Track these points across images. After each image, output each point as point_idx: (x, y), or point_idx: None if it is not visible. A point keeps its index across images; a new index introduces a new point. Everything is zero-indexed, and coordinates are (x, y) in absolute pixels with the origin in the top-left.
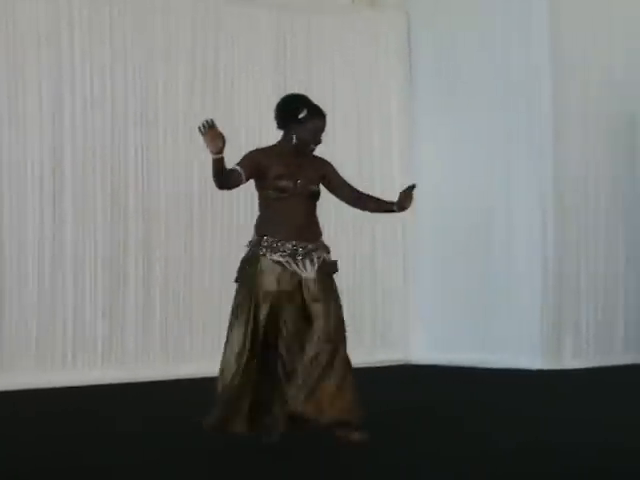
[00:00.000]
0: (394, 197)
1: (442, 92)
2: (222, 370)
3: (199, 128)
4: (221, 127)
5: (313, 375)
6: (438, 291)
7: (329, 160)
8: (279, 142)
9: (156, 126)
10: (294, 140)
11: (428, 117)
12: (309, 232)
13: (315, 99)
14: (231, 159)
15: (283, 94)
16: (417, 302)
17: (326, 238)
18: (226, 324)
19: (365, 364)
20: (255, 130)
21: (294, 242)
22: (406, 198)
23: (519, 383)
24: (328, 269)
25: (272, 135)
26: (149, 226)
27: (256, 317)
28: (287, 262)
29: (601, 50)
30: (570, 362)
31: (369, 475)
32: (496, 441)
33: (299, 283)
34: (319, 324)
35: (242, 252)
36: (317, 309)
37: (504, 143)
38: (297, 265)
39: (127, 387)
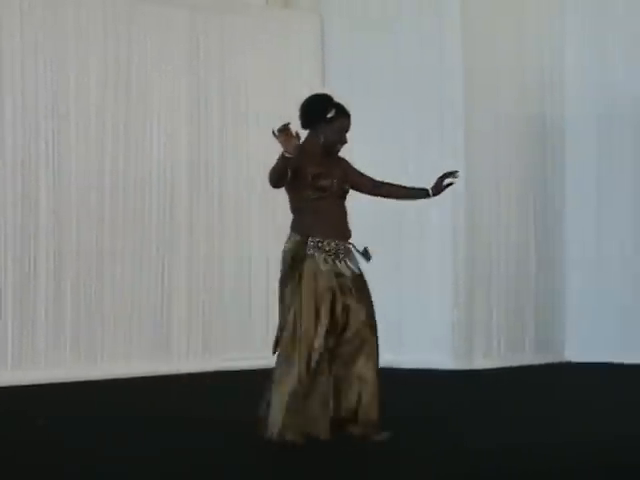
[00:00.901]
0: None
1: (355, 93)
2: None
3: (273, 132)
4: (133, 123)
5: (371, 378)
6: None
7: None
8: (305, 142)
9: (67, 120)
10: (322, 140)
11: None
12: (346, 230)
13: (228, 99)
14: (143, 158)
15: (196, 93)
16: None
17: (238, 237)
18: (138, 318)
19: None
20: (167, 128)
21: (336, 241)
22: (441, 183)
23: (430, 383)
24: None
25: (184, 132)
26: (60, 220)
27: (318, 316)
28: (333, 261)
29: (512, 53)
30: (481, 362)
31: None
32: (411, 443)
33: (339, 282)
34: (357, 321)
35: (154, 245)
36: (355, 307)
37: (417, 144)
38: (341, 264)
39: (39, 388)
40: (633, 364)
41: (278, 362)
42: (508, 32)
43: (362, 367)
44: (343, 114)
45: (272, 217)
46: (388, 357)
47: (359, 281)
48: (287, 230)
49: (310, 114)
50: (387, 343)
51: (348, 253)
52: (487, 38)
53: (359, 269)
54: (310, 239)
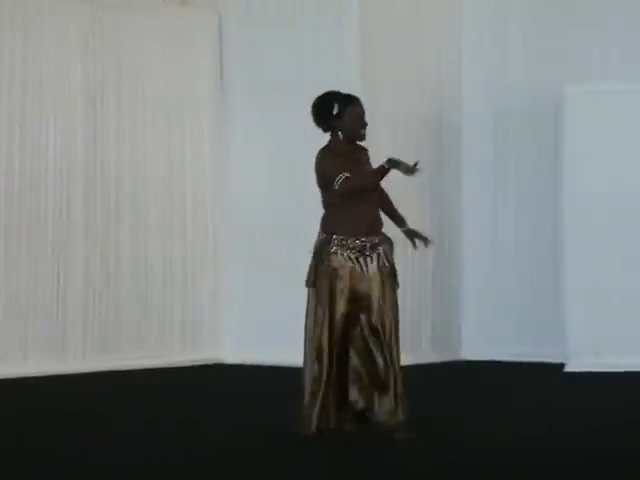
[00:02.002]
0: (204, 198)
1: (253, 92)
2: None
3: (408, 169)
4: (29, 123)
5: (392, 378)
6: (249, 290)
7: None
8: (330, 143)
9: None
10: (341, 136)
11: (239, 116)
12: (375, 225)
13: (124, 99)
14: (38, 157)
15: (92, 92)
16: (228, 302)
17: (135, 237)
18: (33, 317)
19: (176, 364)
20: (63, 125)
21: (362, 238)
22: (415, 236)
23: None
24: (390, 262)
25: (79, 132)
26: None
27: (333, 315)
28: (356, 259)
29: (410, 52)
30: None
31: None
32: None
33: (367, 279)
34: (379, 320)
35: (49, 245)
36: (379, 305)
37: (315, 144)
38: (364, 261)
39: None
40: (528, 362)
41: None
42: (406, 31)
43: (373, 364)
44: (349, 103)
45: (169, 217)
46: (282, 356)
47: (385, 277)
48: (183, 229)
49: (320, 118)
50: (281, 342)
51: (374, 249)
52: (386, 37)
53: (387, 264)
54: (334, 236)
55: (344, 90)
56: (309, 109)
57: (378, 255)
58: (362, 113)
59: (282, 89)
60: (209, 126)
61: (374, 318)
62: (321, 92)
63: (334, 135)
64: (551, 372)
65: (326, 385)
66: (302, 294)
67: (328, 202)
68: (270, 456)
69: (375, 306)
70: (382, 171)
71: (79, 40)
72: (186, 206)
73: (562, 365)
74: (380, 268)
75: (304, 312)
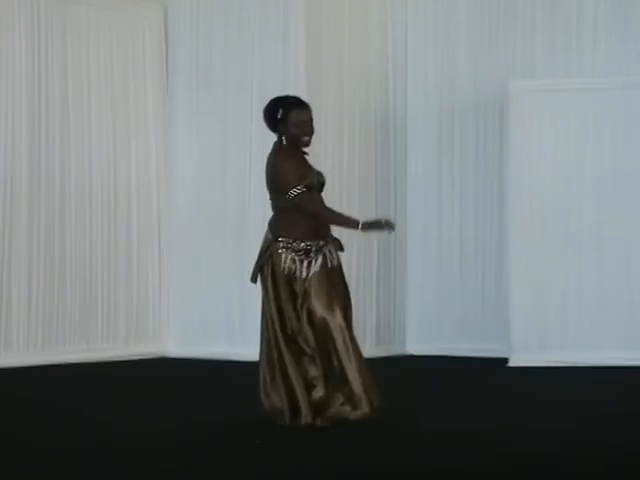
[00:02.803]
0: (149, 193)
1: (198, 88)
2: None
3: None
4: None
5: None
6: (193, 283)
7: None
8: (281, 146)
9: None
10: (284, 141)
11: (184, 111)
12: (322, 231)
13: (70, 91)
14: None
15: (37, 85)
16: (172, 294)
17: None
18: None
19: (120, 358)
20: (8, 124)
21: (308, 242)
22: (376, 226)
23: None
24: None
25: (24, 127)
26: None
27: (281, 312)
28: (300, 261)
29: (356, 47)
30: None
31: None
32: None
33: (311, 279)
34: (330, 317)
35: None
36: (327, 301)
37: (260, 139)
38: (308, 263)
39: None
40: (473, 357)
41: None
42: (352, 25)
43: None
44: (293, 107)
45: (114, 211)
46: (225, 350)
47: (334, 273)
48: (128, 223)
49: (267, 122)
50: (226, 335)
51: (321, 250)
52: (331, 31)
53: (335, 261)
54: (281, 239)
55: (290, 90)
56: (263, 114)
57: (324, 255)
58: (307, 119)
59: (226, 87)
60: (154, 120)
61: (319, 313)
62: (268, 86)
63: (280, 139)
64: (495, 366)
65: (283, 375)
66: (247, 289)
67: (279, 206)
68: (218, 448)
69: (319, 303)
70: (350, 226)
71: (24, 32)
72: (131, 200)
73: (506, 360)
74: (327, 266)
75: (248, 306)
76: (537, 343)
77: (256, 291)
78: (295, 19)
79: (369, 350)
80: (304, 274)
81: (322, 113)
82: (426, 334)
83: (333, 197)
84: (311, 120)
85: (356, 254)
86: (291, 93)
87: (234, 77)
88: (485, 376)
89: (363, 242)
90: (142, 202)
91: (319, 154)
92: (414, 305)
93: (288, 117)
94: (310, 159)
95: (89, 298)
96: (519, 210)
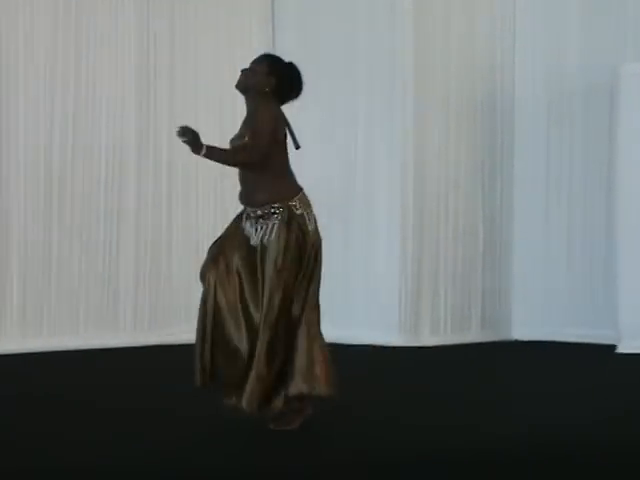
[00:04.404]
0: None
1: (305, 67)
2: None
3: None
4: (83, 95)
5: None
6: None
7: None
8: None
9: (16, 93)
10: None
11: None
12: (254, 194)
13: (177, 69)
14: (92, 130)
15: (146, 59)
16: None
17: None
18: (85, 290)
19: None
20: (116, 96)
21: (247, 208)
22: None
23: (377, 359)
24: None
25: (132, 101)
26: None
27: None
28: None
29: (463, 33)
30: (428, 339)
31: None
32: (362, 417)
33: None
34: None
35: (102, 215)
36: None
37: (366, 127)
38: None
39: None
40: (579, 343)
41: None
42: (460, 11)
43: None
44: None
45: (220, 187)
46: (333, 333)
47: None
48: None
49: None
50: (334, 319)
51: (258, 220)
52: (439, 16)
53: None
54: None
55: (397, 76)
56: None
57: (261, 227)
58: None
59: (334, 74)
60: None
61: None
62: (373, 76)
63: None
64: (602, 353)
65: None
66: (353, 270)
67: None
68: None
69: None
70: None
71: (134, 13)
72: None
73: (614, 347)
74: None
75: (355, 289)
76: None
77: (357, 274)
78: (403, 4)
79: (474, 335)
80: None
81: (429, 98)
82: (532, 319)
83: (439, 181)
84: (248, 70)
85: (461, 237)
86: (398, 79)
87: (341, 63)
88: (591, 362)
89: (468, 226)
90: None
91: (425, 139)
92: (520, 289)
93: None
94: (416, 144)
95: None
96: (629, 194)
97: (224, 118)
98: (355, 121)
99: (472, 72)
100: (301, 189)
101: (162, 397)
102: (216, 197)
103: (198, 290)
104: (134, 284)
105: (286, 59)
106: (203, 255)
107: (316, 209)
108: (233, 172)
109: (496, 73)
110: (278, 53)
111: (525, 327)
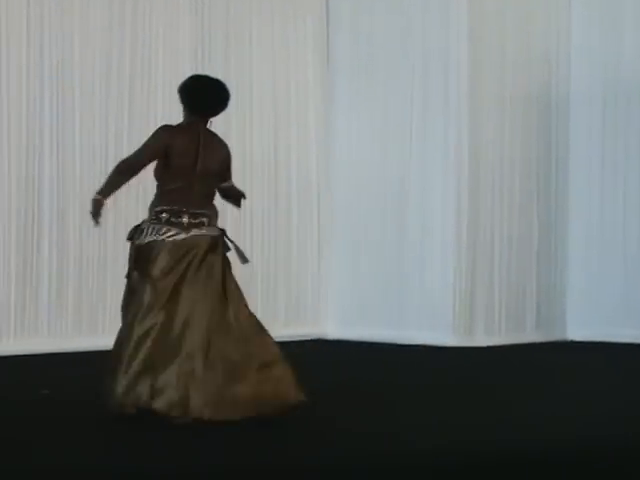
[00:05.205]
0: (308, 169)
1: (359, 63)
2: None
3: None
4: (138, 104)
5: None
6: (351, 266)
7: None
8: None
9: (72, 94)
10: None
11: (345, 87)
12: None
13: (232, 74)
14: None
15: (200, 68)
16: (330, 276)
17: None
18: None
19: (279, 338)
20: (170, 100)
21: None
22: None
23: (432, 359)
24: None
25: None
26: (63, 192)
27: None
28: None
29: (519, 30)
30: (482, 339)
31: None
32: (417, 417)
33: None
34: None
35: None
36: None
37: (421, 116)
38: None
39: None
40: (635, 343)
41: None
42: (515, 8)
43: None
44: None
45: (274, 191)
46: (388, 333)
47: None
48: (282, 207)
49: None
50: (387, 319)
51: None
52: (494, 11)
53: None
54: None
55: (451, 73)
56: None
57: None
58: None
59: (389, 62)
60: (315, 105)
61: None
62: (428, 66)
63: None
64: None
65: None
66: (408, 270)
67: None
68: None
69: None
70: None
71: (189, 17)
72: (291, 184)
73: None
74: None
75: (406, 289)
76: None
77: (412, 274)
78: (457, 1)
79: (529, 334)
80: None
81: (484, 94)
82: (588, 319)
83: (493, 176)
84: None
85: (516, 237)
86: (452, 75)
87: (395, 53)
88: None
89: (523, 225)
90: (302, 186)
91: (479, 135)
92: (575, 289)
93: None
94: (471, 142)
95: (249, 280)
96: None
97: (278, 128)
98: (409, 119)
99: (527, 67)
100: None
101: None
102: (269, 202)
103: None
104: None
105: (340, 62)
106: (257, 257)
107: (371, 210)
108: None
109: (552, 67)
110: (333, 53)
111: (580, 327)
